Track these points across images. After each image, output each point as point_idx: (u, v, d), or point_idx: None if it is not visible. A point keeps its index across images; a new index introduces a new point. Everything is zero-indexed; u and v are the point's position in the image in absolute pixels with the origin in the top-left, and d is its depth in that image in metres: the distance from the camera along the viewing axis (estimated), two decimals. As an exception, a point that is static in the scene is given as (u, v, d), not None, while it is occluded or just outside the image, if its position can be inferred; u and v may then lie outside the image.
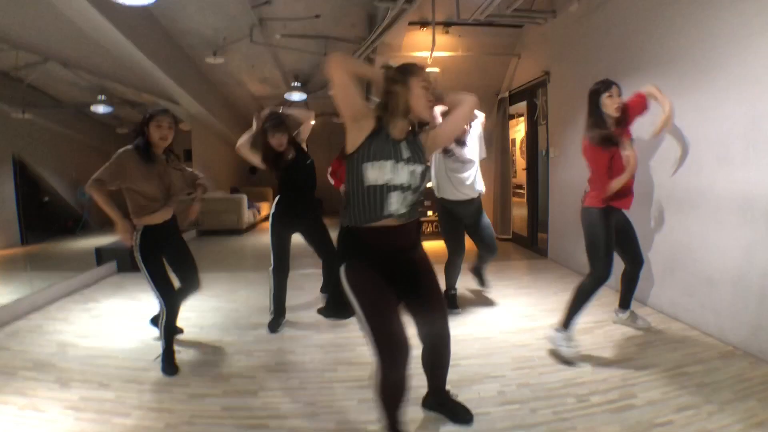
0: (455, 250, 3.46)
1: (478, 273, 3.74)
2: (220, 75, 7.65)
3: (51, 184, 8.28)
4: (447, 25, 5.32)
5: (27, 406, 2.31)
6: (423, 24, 5.27)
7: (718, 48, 2.84)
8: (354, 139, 1.70)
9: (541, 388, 2.34)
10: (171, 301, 2.70)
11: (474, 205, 3.40)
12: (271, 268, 3.30)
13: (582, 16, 4.31)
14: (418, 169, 1.73)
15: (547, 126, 5.19)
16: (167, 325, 2.71)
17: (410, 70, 1.73)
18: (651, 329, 3.11)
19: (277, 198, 3.29)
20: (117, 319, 3.64)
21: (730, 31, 2.75)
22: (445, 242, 3.51)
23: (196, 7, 5.17)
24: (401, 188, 1.69)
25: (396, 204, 1.69)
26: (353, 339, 3.09)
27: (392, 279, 1.71)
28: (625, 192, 2.81)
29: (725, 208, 2.85)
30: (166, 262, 2.76)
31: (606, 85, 2.75)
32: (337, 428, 2.07)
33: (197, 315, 3.65)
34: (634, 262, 3.02)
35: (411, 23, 5.15)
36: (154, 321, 3.16)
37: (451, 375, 2.16)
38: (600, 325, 3.21)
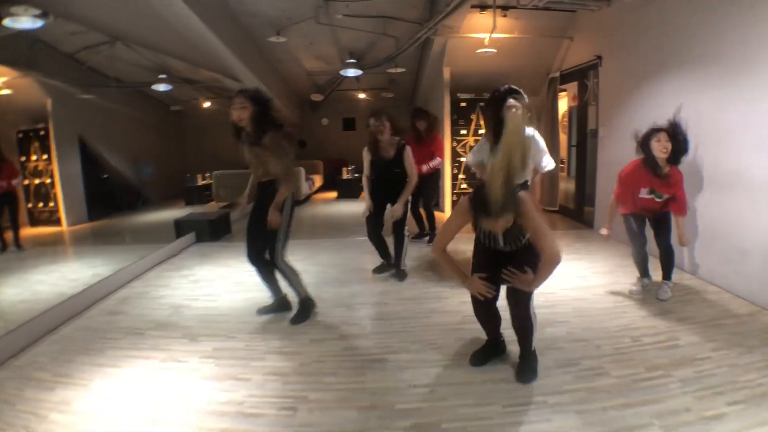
0: None
1: None
2: (279, 52, 8.10)
3: (110, 162, 8.72)
4: (506, 8, 5.66)
5: (168, 358, 2.71)
6: (483, 7, 5.61)
7: (760, 49, 3.21)
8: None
9: (601, 331, 2.90)
10: None
11: None
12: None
13: (637, 7, 4.62)
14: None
15: (598, 107, 5.56)
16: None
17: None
18: (689, 291, 3.61)
19: None
20: (216, 284, 4.10)
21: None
22: None
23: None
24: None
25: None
26: (437, 292, 3.71)
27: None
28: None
29: (758, 189, 3.29)
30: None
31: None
32: (443, 358, 2.65)
33: None
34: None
35: (473, 6, 5.50)
36: None
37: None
38: (651, 286, 3.69)
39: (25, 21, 4.63)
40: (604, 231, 3.59)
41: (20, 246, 5.63)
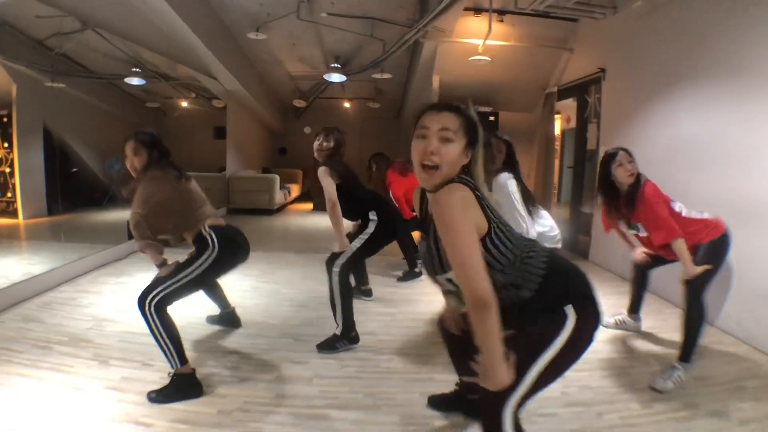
0: None
1: None
2: (259, 52, 7.62)
3: (79, 155, 8.17)
4: (502, 13, 5.21)
5: (65, 383, 2.25)
6: (478, 10, 5.15)
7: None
8: None
9: (603, 392, 2.31)
10: None
11: None
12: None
13: (646, 14, 4.17)
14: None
15: (599, 124, 5.07)
16: None
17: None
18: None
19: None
20: None
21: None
22: None
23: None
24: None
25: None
26: (405, 328, 3.10)
27: None
28: None
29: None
30: None
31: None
32: (400, 420, 2.05)
33: (239, 294, 3.55)
34: None
35: (466, 9, 5.05)
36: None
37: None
38: (657, 331, 3.15)
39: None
40: (637, 253, 3.01)
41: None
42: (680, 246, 2.47)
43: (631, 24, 4.44)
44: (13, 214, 6.64)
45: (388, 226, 2.98)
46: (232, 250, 2.51)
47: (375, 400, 2.21)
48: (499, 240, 1.37)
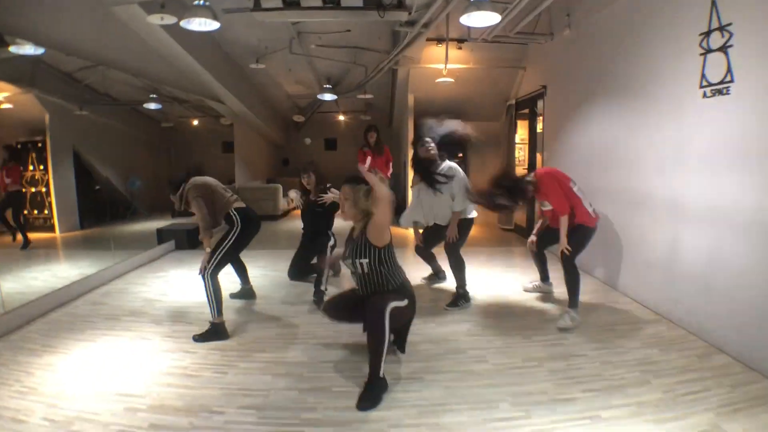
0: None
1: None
2: (260, 77, 8.61)
3: (103, 174, 9.15)
4: (460, 41, 6.15)
5: (136, 337, 3.29)
6: (439, 40, 6.10)
7: (660, 79, 3.62)
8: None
9: (498, 329, 3.29)
10: None
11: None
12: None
13: (572, 41, 5.10)
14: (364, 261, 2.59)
15: (543, 133, 6.01)
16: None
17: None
18: (600, 300, 3.96)
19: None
20: (185, 284, 4.67)
21: (668, 66, 3.51)
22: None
23: (244, 23, 6.08)
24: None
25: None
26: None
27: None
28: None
29: (660, 209, 3.66)
30: None
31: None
32: (355, 341, 3.07)
33: (251, 278, 4.40)
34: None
35: (428, 39, 5.99)
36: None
37: (434, 315, 3.28)
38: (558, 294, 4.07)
39: (27, 48, 5.16)
40: (530, 240, 4.06)
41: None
42: (564, 221, 3.44)
43: (563, 49, 5.38)
44: (51, 228, 7.57)
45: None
46: (250, 224, 3.59)
47: (339, 334, 3.23)
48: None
